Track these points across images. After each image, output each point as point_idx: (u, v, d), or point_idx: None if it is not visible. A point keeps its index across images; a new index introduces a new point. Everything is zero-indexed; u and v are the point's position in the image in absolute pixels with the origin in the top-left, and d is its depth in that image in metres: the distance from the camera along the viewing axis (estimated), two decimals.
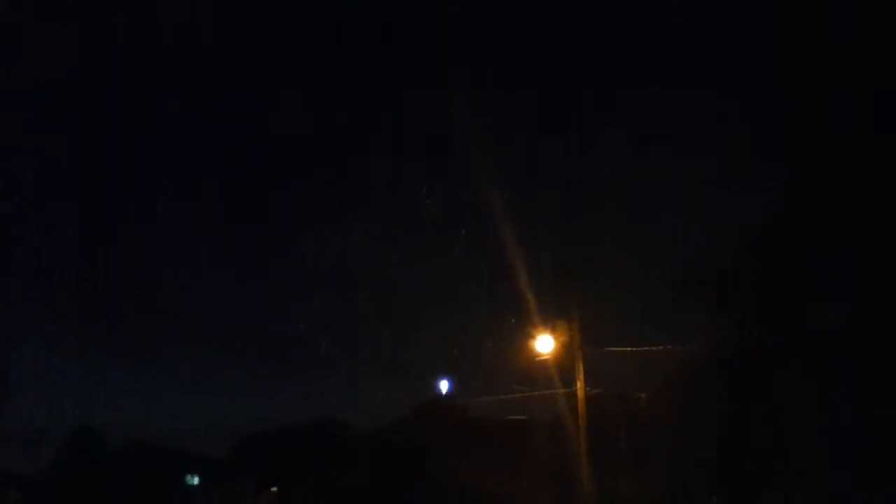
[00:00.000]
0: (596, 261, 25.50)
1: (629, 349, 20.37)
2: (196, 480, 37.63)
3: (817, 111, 17.89)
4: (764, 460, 21.31)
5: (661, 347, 20.12)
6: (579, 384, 20.19)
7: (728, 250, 21.03)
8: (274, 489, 36.80)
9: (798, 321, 19.66)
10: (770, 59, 18.82)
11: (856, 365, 17.77)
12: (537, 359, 20.89)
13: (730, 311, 21.19)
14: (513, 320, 21.55)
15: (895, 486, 17.28)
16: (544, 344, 20.66)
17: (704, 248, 21.90)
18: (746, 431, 21.17)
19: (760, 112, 19.67)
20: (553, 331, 20.67)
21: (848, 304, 18.69)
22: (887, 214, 16.88)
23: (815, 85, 17.69)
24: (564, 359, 20.85)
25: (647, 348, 20.13)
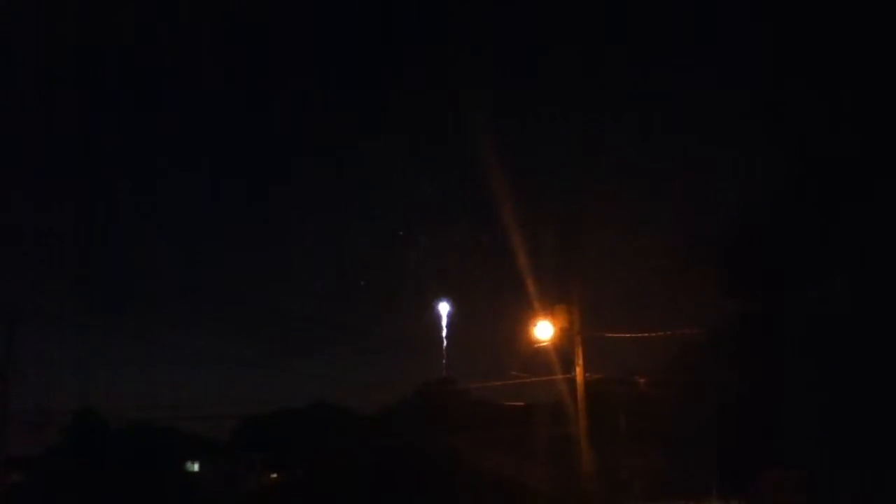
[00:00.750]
0: (597, 241, 25.35)
1: (628, 335, 20.30)
2: (196, 466, 37.74)
3: (819, 94, 17.73)
4: (763, 442, 21.36)
5: (659, 333, 20.02)
6: (578, 370, 20.10)
7: (730, 231, 20.90)
8: (274, 475, 36.94)
9: (799, 302, 19.62)
10: (772, 44, 18.59)
11: (856, 350, 17.75)
12: (537, 345, 20.78)
13: (732, 289, 21.09)
14: (513, 305, 21.42)
15: (890, 470, 17.36)
16: (544, 330, 20.53)
17: (706, 230, 21.79)
18: (745, 414, 21.20)
19: (762, 96, 19.46)
20: (553, 316, 20.50)
21: (848, 285, 18.67)
22: (887, 201, 16.77)
23: (817, 66, 17.51)
24: (565, 343, 20.74)
25: (646, 334, 20.04)
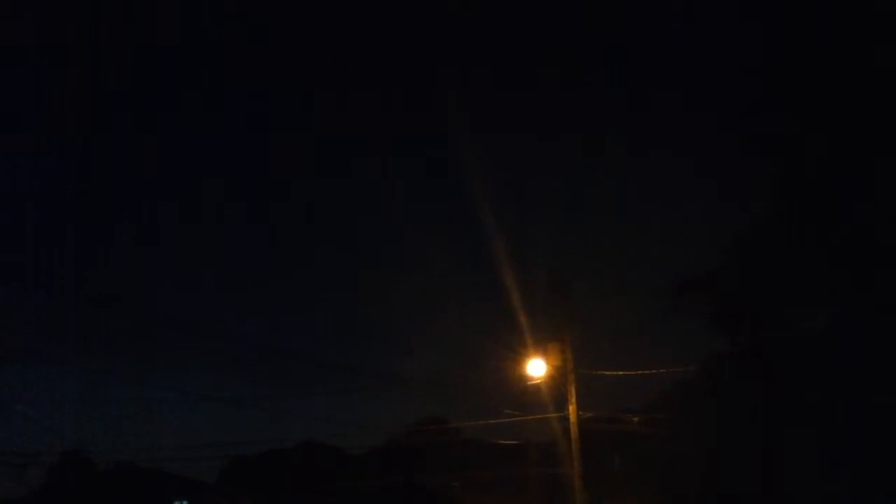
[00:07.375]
0: (590, 274, 25.36)
1: (621, 372, 20.22)
2: None
3: (808, 125, 17.84)
4: (758, 479, 21.21)
5: (652, 371, 19.94)
6: (571, 409, 19.97)
7: (720, 266, 20.91)
8: None
9: (791, 329, 19.60)
10: (763, 60, 18.68)
11: (850, 375, 17.71)
12: (530, 382, 20.67)
13: (722, 324, 21.05)
14: (505, 345, 21.27)
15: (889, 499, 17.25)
16: (536, 368, 20.42)
17: (696, 265, 21.79)
18: (740, 451, 21.08)
19: (751, 127, 19.57)
20: (545, 354, 20.40)
21: (842, 318, 18.65)
22: (879, 233, 16.82)
23: (806, 91, 17.63)
24: (557, 381, 20.61)
25: (639, 372, 19.97)
